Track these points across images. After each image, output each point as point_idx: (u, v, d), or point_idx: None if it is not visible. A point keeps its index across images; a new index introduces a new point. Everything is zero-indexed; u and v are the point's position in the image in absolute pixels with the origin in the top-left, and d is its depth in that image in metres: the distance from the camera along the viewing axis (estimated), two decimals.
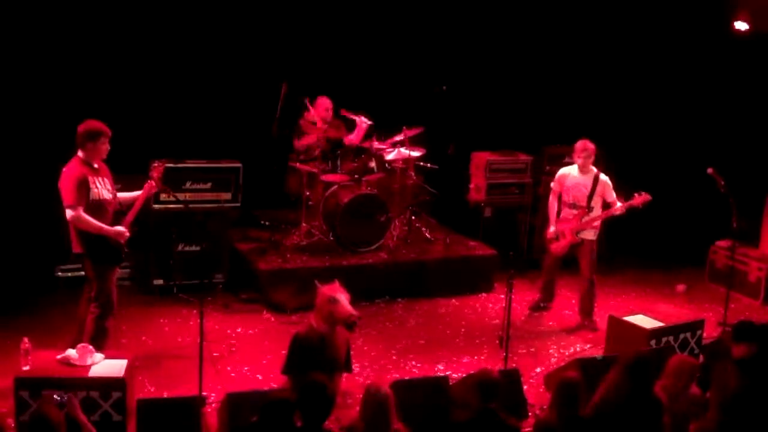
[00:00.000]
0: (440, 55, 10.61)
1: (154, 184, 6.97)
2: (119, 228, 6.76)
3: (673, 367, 5.92)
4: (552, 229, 8.62)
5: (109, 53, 9.29)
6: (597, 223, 8.49)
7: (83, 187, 6.58)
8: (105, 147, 6.76)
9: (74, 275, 8.45)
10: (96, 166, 6.77)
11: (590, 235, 8.52)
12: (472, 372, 6.69)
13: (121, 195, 7.02)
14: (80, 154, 6.70)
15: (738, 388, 5.97)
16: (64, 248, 6.82)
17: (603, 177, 8.50)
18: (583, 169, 8.49)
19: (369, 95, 9.92)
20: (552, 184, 8.78)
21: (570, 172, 8.59)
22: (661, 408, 5.56)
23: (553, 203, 8.69)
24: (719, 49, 10.90)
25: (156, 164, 7.05)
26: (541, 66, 11.17)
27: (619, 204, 8.40)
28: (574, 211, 8.48)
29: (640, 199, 8.34)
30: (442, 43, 10.66)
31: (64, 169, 6.67)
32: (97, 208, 6.67)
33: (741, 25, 9.78)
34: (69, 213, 6.58)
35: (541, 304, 9.02)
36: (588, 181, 8.47)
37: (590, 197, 8.45)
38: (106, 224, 6.69)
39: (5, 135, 8.95)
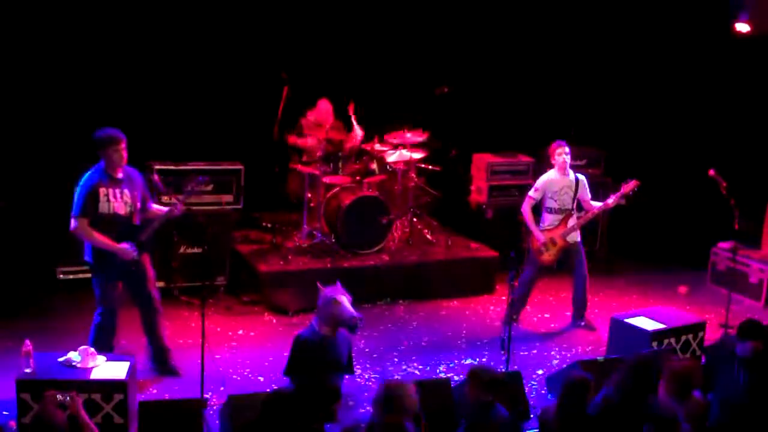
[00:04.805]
0: (442, 56, 10.60)
1: (180, 206, 6.86)
2: (124, 246, 6.56)
3: (673, 371, 5.91)
4: (542, 239, 8.42)
5: (111, 55, 9.28)
6: (582, 222, 8.45)
7: (91, 198, 6.43)
8: (118, 155, 6.55)
9: (75, 277, 8.46)
10: (119, 176, 6.57)
11: (578, 236, 8.48)
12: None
13: (157, 207, 6.94)
14: (102, 162, 6.57)
15: (742, 386, 5.98)
16: (65, 249, 6.80)
17: (580, 176, 8.51)
18: (566, 171, 8.43)
19: (371, 97, 9.91)
20: (532, 194, 8.43)
21: (551, 177, 8.42)
22: (662, 410, 5.55)
23: (530, 213, 8.47)
24: (721, 51, 10.88)
25: (181, 196, 7.02)
26: (543, 67, 11.16)
27: (611, 199, 8.33)
28: (560, 216, 8.40)
29: (629, 186, 8.30)
30: (444, 44, 10.65)
31: (83, 176, 6.54)
32: (106, 222, 6.52)
33: (742, 27, 9.77)
34: (72, 223, 6.47)
35: (514, 316, 8.17)
36: (571, 182, 8.43)
37: (574, 199, 8.44)
38: (113, 238, 6.52)
39: (7, 136, 8.95)
